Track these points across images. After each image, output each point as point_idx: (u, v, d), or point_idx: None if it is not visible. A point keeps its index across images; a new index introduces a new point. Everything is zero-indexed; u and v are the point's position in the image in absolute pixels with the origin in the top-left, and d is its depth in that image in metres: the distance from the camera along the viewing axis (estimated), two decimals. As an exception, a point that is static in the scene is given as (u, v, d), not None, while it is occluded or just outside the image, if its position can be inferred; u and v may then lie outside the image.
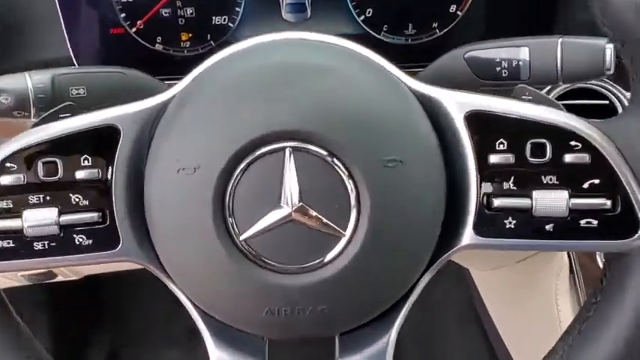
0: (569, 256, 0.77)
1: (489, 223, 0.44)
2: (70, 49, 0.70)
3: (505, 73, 0.55)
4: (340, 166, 0.40)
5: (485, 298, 0.88)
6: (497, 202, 0.43)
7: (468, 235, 0.44)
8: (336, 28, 0.71)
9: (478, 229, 0.44)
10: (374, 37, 0.71)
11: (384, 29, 0.71)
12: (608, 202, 0.42)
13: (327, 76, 0.41)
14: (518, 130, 0.43)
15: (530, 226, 0.43)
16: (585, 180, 0.42)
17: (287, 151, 0.40)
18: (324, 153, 0.40)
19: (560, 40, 0.53)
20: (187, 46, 0.70)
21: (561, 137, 0.42)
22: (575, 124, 0.42)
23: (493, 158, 0.43)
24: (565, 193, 0.42)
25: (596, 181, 0.42)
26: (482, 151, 0.43)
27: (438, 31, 0.71)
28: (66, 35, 0.69)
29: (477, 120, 0.44)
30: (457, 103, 0.44)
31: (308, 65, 0.42)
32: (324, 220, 0.40)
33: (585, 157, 0.42)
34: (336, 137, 0.40)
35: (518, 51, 0.55)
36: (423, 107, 0.45)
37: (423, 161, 0.42)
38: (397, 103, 0.42)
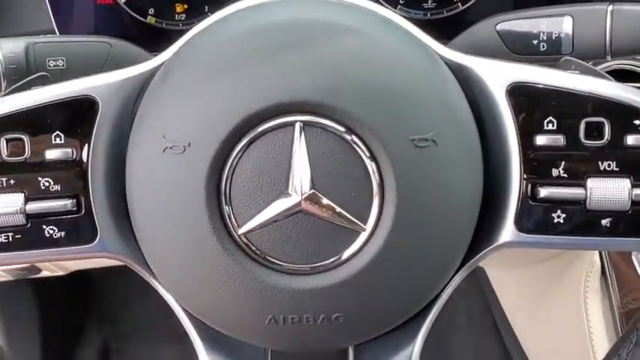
0: (600, 256, 0.71)
1: (534, 216, 0.37)
2: (54, 22, 0.63)
3: (544, 46, 0.49)
4: (360, 144, 0.33)
5: (502, 300, 0.81)
6: (544, 192, 0.36)
7: (509, 231, 0.37)
8: (347, 1, 0.64)
9: (520, 224, 0.37)
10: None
11: (401, 2, 0.64)
12: None
13: (346, 37, 0.34)
14: (571, 107, 0.36)
15: (584, 220, 0.36)
16: None
17: (296, 126, 0.33)
18: (341, 129, 0.33)
19: (610, 7, 0.46)
20: (182, 18, 0.64)
21: (622, 115, 0.36)
22: (636, 99, 0.35)
23: (540, 139, 0.36)
24: (627, 182, 0.36)
25: None
26: (527, 130, 0.37)
27: (460, 4, 0.64)
28: (49, 6, 0.62)
29: (522, 94, 0.37)
30: (498, 75, 0.37)
31: (321, 23, 0.35)
32: (341, 211, 0.33)
33: None
34: (355, 110, 0.33)
35: (560, 21, 0.48)
36: (457, 79, 0.38)
37: (459, 142, 0.35)
38: (428, 72, 0.36)
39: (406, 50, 0.36)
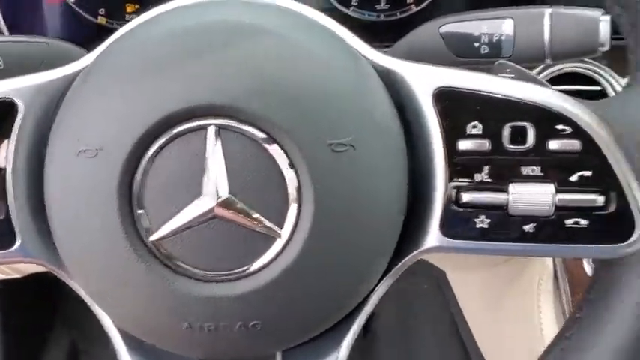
0: (553, 260, 0.70)
1: (458, 221, 0.36)
2: (2, 22, 0.62)
3: (485, 49, 0.48)
4: (277, 149, 0.33)
5: (462, 302, 0.81)
6: (467, 197, 0.36)
7: (434, 236, 0.37)
8: (302, 2, 0.64)
9: (445, 229, 0.37)
10: (342, 12, 0.64)
11: (354, 4, 0.64)
12: (601, 199, 0.35)
13: (262, 40, 0.34)
14: (495, 111, 0.36)
15: (507, 226, 0.36)
16: (574, 172, 0.35)
17: (210, 130, 0.32)
18: (257, 133, 0.32)
19: (549, 10, 0.46)
20: (133, 19, 0.63)
21: (546, 120, 0.35)
22: (563, 105, 0.35)
23: (464, 144, 0.36)
24: (550, 187, 0.35)
25: (587, 174, 0.35)
26: (451, 135, 0.36)
27: (414, 6, 0.64)
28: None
29: (447, 99, 0.36)
30: (424, 79, 0.37)
31: (239, 25, 0.34)
32: (257, 217, 0.33)
33: (575, 145, 0.35)
34: (270, 113, 0.32)
35: (501, 24, 0.47)
36: (384, 83, 0.38)
37: (381, 147, 0.35)
38: (351, 76, 0.35)
39: (328, 53, 0.35)
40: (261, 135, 0.32)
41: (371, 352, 1.15)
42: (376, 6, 0.64)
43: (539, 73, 0.61)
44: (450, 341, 0.91)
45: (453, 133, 0.36)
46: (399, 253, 0.38)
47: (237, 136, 0.32)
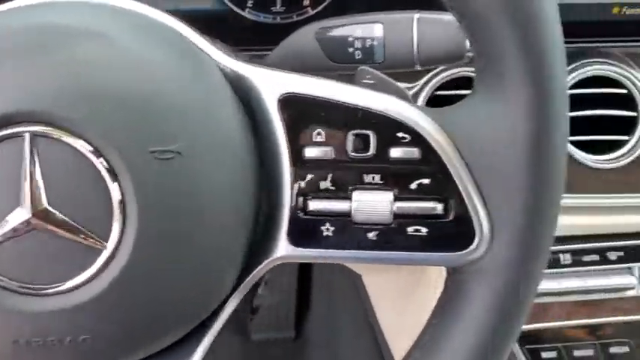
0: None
1: (306, 230, 0.36)
2: None
3: (359, 54, 0.48)
4: (98, 157, 0.31)
5: (375, 304, 0.82)
6: (313, 205, 0.36)
7: (283, 245, 0.36)
8: (191, 2, 0.63)
9: (293, 238, 0.36)
10: (237, 14, 0.63)
11: (249, 5, 0.63)
12: (440, 207, 0.35)
13: (86, 43, 0.32)
14: (339, 119, 0.35)
15: (351, 233, 0.35)
16: (413, 179, 0.35)
17: (26, 137, 0.31)
18: (76, 140, 0.31)
19: (417, 15, 0.46)
20: None
21: (387, 128, 0.35)
22: (401, 111, 0.35)
23: (309, 151, 0.36)
24: (389, 195, 0.35)
25: (426, 181, 0.35)
26: (297, 142, 0.36)
27: (310, 9, 0.63)
28: None
29: (293, 105, 0.36)
30: (271, 85, 0.36)
31: (63, 28, 0.33)
32: (79, 228, 0.32)
33: (414, 152, 0.35)
34: (88, 120, 0.31)
35: (372, 28, 0.47)
36: (235, 88, 0.37)
37: (218, 154, 0.34)
38: (184, 80, 0.34)
39: (161, 56, 0.34)
40: (80, 143, 0.31)
41: (302, 356, 1.15)
42: (272, 8, 0.63)
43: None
44: (367, 344, 0.92)
45: (298, 140, 0.36)
46: (251, 265, 0.37)
47: (55, 143, 0.31)
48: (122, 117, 0.31)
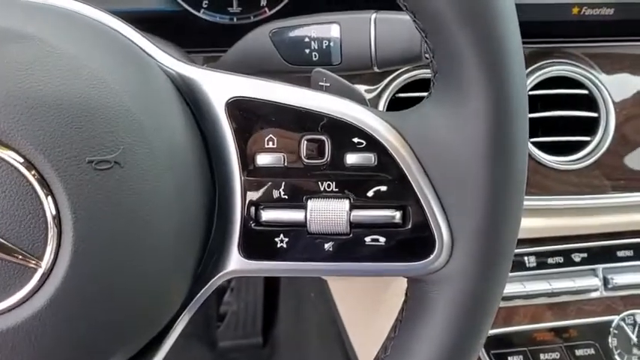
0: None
1: (258, 242, 0.34)
2: None
3: (315, 56, 0.46)
4: (30, 170, 0.29)
5: (341, 310, 0.81)
6: (266, 215, 0.34)
7: (234, 259, 0.34)
8: (143, 3, 0.60)
9: (245, 250, 0.34)
10: (192, 14, 0.60)
11: (204, 6, 0.60)
12: (398, 215, 0.33)
13: (14, 45, 0.30)
14: (291, 124, 0.34)
15: (307, 245, 0.34)
16: (370, 187, 0.33)
17: None
18: (5, 151, 0.29)
19: (374, 15, 0.45)
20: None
21: (342, 133, 0.33)
22: (357, 116, 0.33)
23: (261, 158, 0.34)
24: (345, 204, 0.33)
25: (383, 188, 0.33)
26: (247, 149, 0.34)
27: (267, 9, 0.61)
28: None
29: (241, 109, 0.34)
30: (219, 88, 0.34)
31: None
32: (10, 247, 0.29)
33: (370, 158, 0.33)
34: (19, 128, 0.28)
35: (329, 29, 0.46)
36: (182, 91, 0.35)
37: (160, 162, 0.31)
38: (126, 84, 0.32)
39: (98, 60, 0.32)
40: (9, 153, 0.29)
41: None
42: (229, 8, 0.61)
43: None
44: (336, 352, 0.90)
45: (248, 146, 0.34)
46: (203, 279, 0.35)
47: None
48: (55, 125, 0.29)
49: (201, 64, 0.61)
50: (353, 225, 0.33)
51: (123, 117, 0.31)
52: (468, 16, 0.30)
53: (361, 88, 0.62)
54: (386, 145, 0.33)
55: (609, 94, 0.62)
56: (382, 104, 0.60)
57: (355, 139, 0.33)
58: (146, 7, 0.60)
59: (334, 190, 0.33)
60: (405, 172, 0.33)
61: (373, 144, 0.33)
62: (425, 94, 0.59)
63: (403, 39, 0.44)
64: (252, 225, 0.34)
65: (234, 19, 0.61)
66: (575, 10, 0.65)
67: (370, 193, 0.33)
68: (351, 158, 0.33)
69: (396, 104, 0.60)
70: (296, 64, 0.46)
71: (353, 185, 0.33)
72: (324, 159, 0.33)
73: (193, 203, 0.33)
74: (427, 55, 0.43)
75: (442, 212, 0.32)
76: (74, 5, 0.35)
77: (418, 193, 0.33)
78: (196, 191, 0.33)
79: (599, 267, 0.63)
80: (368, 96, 0.61)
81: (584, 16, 0.65)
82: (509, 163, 0.32)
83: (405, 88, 0.60)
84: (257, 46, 0.48)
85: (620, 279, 0.62)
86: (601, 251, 0.63)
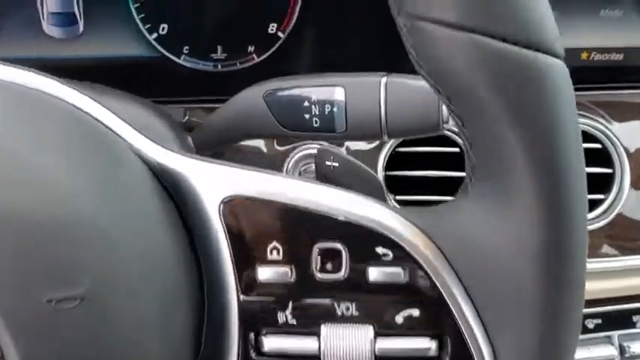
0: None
1: None
2: None
3: (317, 122, 0.40)
4: None
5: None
6: (269, 343, 0.28)
7: None
8: (119, 49, 0.54)
9: None
10: (172, 61, 0.54)
11: (185, 52, 0.54)
12: (434, 345, 0.27)
13: None
14: (300, 229, 0.28)
15: None
16: (399, 310, 0.27)
17: None
18: None
19: (384, 79, 0.39)
20: None
21: (363, 241, 0.27)
22: (380, 220, 0.27)
23: (263, 273, 0.28)
24: (369, 331, 0.27)
25: (415, 313, 0.27)
26: (246, 261, 0.28)
27: (255, 56, 0.55)
28: None
29: (239, 212, 0.28)
30: (211, 183, 0.28)
31: None
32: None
33: (399, 275, 0.27)
34: None
35: (332, 92, 0.40)
36: (169, 187, 0.28)
37: (137, 290, 0.25)
38: (93, 192, 0.25)
39: (51, 160, 0.25)
40: None
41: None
42: (212, 55, 0.55)
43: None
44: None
45: (247, 257, 0.28)
46: None
47: None
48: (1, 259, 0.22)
49: (182, 117, 0.54)
50: (378, 358, 0.27)
51: (89, 238, 0.24)
52: (523, 113, 0.24)
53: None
54: (418, 258, 0.27)
55: (622, 146, 0.58)
56: (381, 160, 0.54)
57: (379, 249, 0.27)
58: (122, 52, 0.54)
59: (354, 314, 0.27)
60: (443, 293, 0.27)
61: (402, 255, 0.27)
62: (427, 148, 0.55)
63: (417, 106, 0.38)
64: (253, 355, 0.28)
65: (219, 66, 0.55)
66: (584, 56, 0.61)
67: (399, 319, 0.27)
68: (375, 273, 0.27)
69: (396, 160, 0.55)
70: (294, 130, 0.40)
71: (378, 308, 0.27)
72: (342, 274, 0.27)
73: (180, 333, 0.27)
74: (447, 126, 0.38)
75: (488, 343, 0.27)
76: (32, 79, 0.28)
77: (458, 320, 0.27)
78: (183, 318, 0.27)
79: (615, 334, 0.58)
80: (365, 148, 0.56)
81: (593, 62, 0.61)
82: (568, 277, 0.26)
83: (406, 141, 0.55)
84: (250, 106, 0.41)
85: (636, 347, 0.58)
86: (616, 316, 0.59)
